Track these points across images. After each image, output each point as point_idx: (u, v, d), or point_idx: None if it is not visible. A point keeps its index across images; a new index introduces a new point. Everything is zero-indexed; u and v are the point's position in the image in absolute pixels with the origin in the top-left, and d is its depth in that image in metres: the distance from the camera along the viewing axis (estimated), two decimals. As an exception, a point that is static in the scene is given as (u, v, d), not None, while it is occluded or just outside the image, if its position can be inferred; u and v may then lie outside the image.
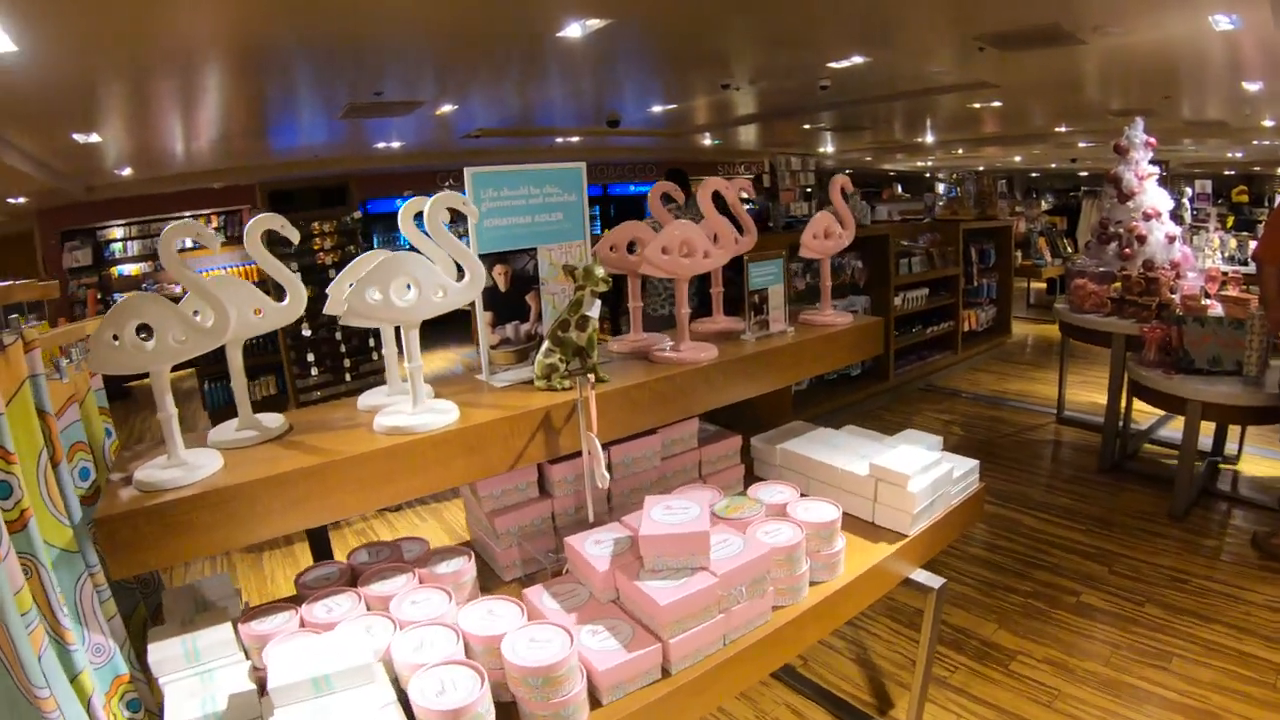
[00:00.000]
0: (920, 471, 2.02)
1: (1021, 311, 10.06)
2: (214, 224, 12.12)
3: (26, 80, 4.84)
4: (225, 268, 11.70)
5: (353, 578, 1.74)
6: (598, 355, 1.79)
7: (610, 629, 1.51)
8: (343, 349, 5.34)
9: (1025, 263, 9.97)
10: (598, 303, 1.77)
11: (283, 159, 10.85)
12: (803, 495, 1.99)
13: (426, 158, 12.17)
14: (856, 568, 1.88)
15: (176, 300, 1.56)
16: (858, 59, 6.33)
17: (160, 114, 6.92)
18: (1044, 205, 14.03)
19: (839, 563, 1.85)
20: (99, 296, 10.39)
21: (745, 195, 2.34)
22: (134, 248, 11.45)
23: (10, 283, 1.70)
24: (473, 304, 1.74)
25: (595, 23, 4.85)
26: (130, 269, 11.47)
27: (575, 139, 12.25)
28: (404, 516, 4.84)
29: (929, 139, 14.08)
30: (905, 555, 2.01)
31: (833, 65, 6.57)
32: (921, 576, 2.05)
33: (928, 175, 21.18)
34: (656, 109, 9.80)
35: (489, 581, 1.93)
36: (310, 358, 5.15)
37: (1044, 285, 11.01)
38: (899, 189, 13.41)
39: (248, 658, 1.52)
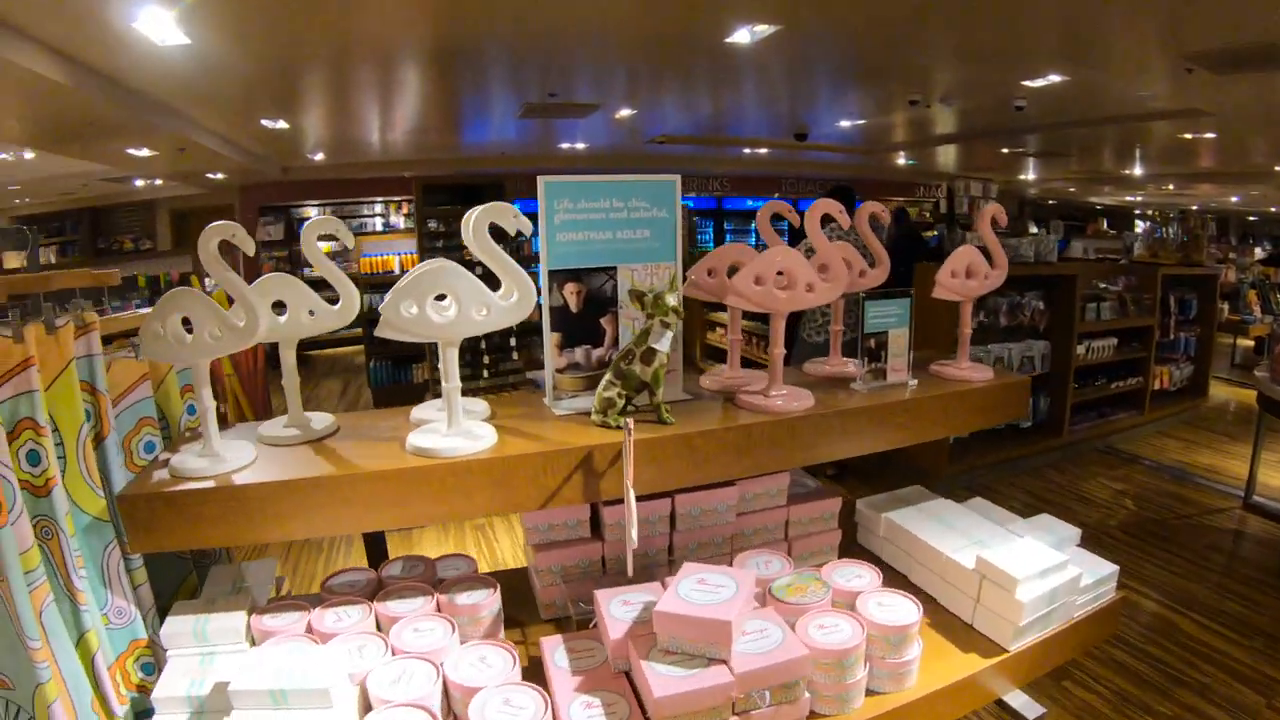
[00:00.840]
0: (1036, 575, 1.67)
1: (1223, 372, 8.82)
2: (404, 210, 12.98)
3: (204, 70, 5.29)
4: (399, 254, 12.53)
5: (379, 588, 1.67)
6: (663, 393, 1.61)
7: (607, 706, 1.33)
8: (483, 345, 5.43)
9: (1231, 317, 8.75)
10: (669, 334, 1.58)
11: (472, 154, 11.40)
12: (886, 584, 1.69)
13: (611, 161, 12.36)
14: (934, 680, 1.57)
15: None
16: (1055, 78, 5.76)
17: (337, 105, 7.41)
18: (1258, 253, 12.30)
19: (909, 673, 1.54)
20: (286, 269, 11.44)
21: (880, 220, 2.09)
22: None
23: (56, 271, 1.76)
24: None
25: (764, 29, 4.65)
26: (323, 245, 12.46)
27: (763, 150, 12.07)
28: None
29: (1137, 171, 12.76)
30: (1002, 672, 1.67)
31: (1028, 84, 6.01)
32: (1018, 701, 1.71)
33: (1136, 212, 19.21)
34: (845, 123, 9.45)
35: (528, 616, 1.80)
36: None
37: (1252, 344, 9.63)
38: (1104, 224, 12.19)
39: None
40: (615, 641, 1.40)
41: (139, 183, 11.39)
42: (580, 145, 11.29)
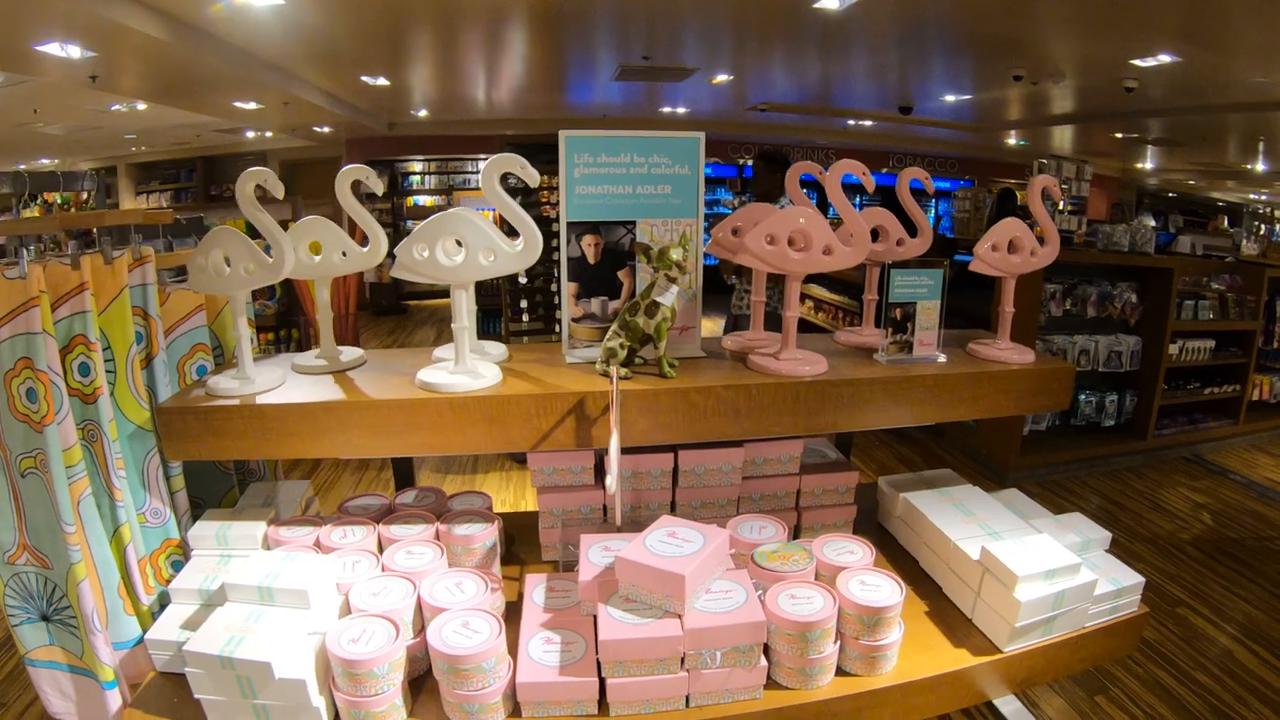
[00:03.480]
0: (1042, 576, 1.56)
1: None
2: (509, 168, 13.34)
3: (301, 29, 5.54)
4: (494, 209, 12.89)
5: (390, 513, 1.78)
6: (665, 347, 1.63)
7: (566, 644, 1.38)
8: (555, 299, 5.53)
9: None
10: (674, 288, 1.60)
11: (575, 114, 11.53)
12: (887, 566, 1.65)
13: (711, 126, 12.20)
14: (914, 670, 1.52)
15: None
16: (1166, 58, 5.36)
17: (436, 64, 7.60)
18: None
19: (884, 658, 1.50)
20: (388, 220, 12.00)
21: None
22: (430, 181, 13.00)
23: (109, 210, 1.92)
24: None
25: (851, -7, 4.53)
26: (425, 199, 13.00)
27: (868, 123, 11.74)
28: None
29: (1260, 166, 11.82)
30: (994, 674, 1.60)
31: (1138, 63, 5.63)
32: (1009, 707, 1.64)
33: (1261, 210, 17.74)
34: (950, 98, 9.12)
35: (532, 557, 1.87)
36: (524, 304, 5.38)
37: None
38: (1225, 222, 11.37)
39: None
40: (584, 584, 1.44)
41: (249, 134, 12.05)
42: (681, 109, 11.24)
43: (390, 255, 1.68)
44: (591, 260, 1.74)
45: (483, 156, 13.29)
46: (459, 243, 1.54)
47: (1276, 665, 3.21)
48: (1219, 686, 3.06)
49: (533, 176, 1.51)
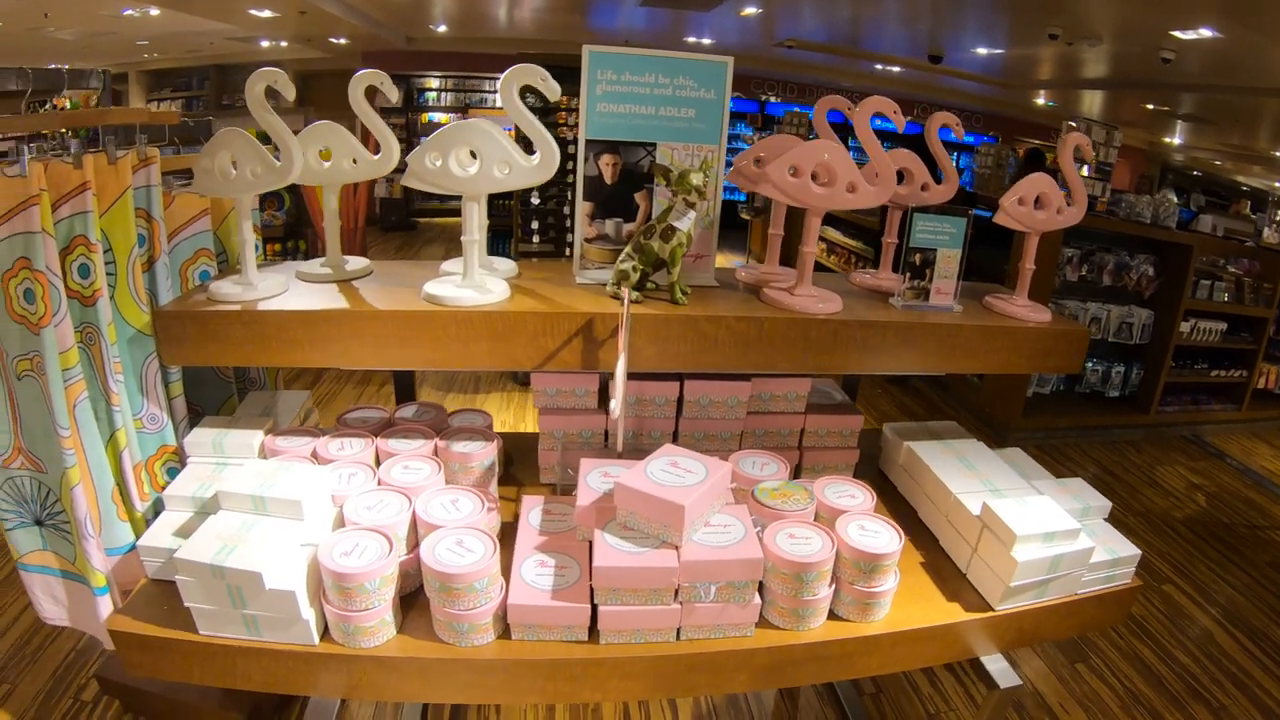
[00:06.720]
0: (1041, 538, 1.54)
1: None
2: (524, 88, 13.21)
3: None
4: (509, 128, 12.83)
5: (389, 427, 1.76)
6: (679, 273, 1.58)
7: (558, 567, 1.37)
8: (568, 222, 5.45)
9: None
10: (692, 213, 1.56)
11: (599, 39, 11.17)
12: (885, 513, 1.61)
13: (738, 61, 11.84)
14: (905, 620, 1.50)
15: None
16: (1206, 32, 5.15)
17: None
18: None
19: (878, 605, 1.48)
20: (402, 136, 11.76)
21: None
22: (447, 98, 12.83)
23: (114, 108, 1.87)
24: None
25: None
26: (440, 116, 12.85)
27: (896, 69, 11.43)
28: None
29: None
30: (984, 631, 1.58)
31: (1178, 34, 5.42)
32: (995, 665, 1.59)
33: (1272, 197, 17.30)
34: (983, 51, 8.86)
35: (530, 478, 1.86)
36: (534, 225, 5.31)
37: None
38: (1248, 207, 11.14)
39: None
40: (581, 509, 1.42)
41: (264, 43, 11.76)
42: (706, 40, 10.94)
43: (403, 165, 1.63)
44: (609, 180, 1.69)
45: (501, 75, 13.07)
46: (474, 154, 1.49)
47: (1255, 653, 3.19)
48: (1197, 668, 3.06)
49: (553, 89, 1.45)
